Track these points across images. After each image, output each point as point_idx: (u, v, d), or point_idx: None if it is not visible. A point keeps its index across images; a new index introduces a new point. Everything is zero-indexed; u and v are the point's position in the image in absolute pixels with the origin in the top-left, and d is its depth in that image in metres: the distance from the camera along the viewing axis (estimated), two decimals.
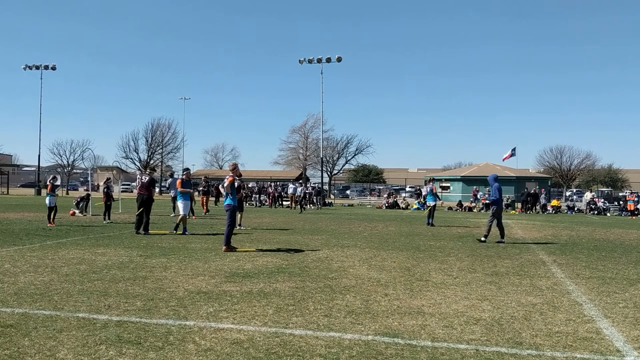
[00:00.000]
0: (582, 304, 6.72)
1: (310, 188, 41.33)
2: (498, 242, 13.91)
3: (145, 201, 14.73)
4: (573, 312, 6.22)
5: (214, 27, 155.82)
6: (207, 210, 24.80)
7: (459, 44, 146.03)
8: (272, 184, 41.97)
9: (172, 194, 21.96)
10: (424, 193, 20.86)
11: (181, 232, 14.59)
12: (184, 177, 15.36)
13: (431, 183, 21.37)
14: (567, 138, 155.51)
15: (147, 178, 15.28)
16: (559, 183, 71.92)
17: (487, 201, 25.24)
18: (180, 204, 14.84)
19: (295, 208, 33.26)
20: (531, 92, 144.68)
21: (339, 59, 50.87)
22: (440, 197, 21.64)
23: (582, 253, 12.20)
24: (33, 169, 75.56)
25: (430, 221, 20.13)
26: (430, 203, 20.71)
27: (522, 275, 8.83)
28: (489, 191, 17.65)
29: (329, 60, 51.06)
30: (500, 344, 4.91)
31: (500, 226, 14.16)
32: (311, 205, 37.86)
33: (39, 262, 9.11)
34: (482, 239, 14.17)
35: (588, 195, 38.21)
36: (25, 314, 5.62)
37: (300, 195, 33.11)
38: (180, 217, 14.79)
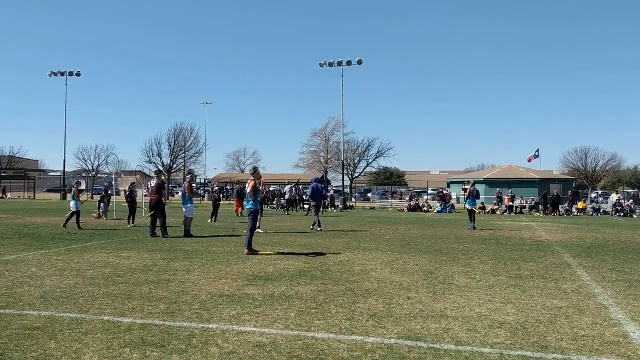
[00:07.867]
0: (609, 307, 6.60)
1: (332, 191, 41.36)
2: (311, 229, 17.87)
3: (155, 205, 14.99)
4: (599, 316, 6.12)
5: (235, 30, 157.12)
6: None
7: (482, 44, 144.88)
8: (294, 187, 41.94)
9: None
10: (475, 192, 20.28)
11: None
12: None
13: (474, 186, 20.88)
14: (592, 139, 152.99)
15: (155, 182, 15.46)
16: (584, 185, 70.71)
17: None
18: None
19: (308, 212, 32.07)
20: (556, 93, 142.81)
21: (360, 62, 50.59)
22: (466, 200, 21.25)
23: (608, 255, 11.98)
24: (59, 174, 76.71)
25: (472, 225, 19.93)
26: (468, 207, 20.34)
27: (547, 278, 8.71)
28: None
29: (349, 63, 50.84)
30: (525, 347, 4.85)
31: (316, 218, 17.95)
32: (332, 208, 37.86)
33: (64, 266, 9.26)
34: (319, 229, 17.49)
35: (614, 197, 37.43)
36: (51, 316, 5.71)
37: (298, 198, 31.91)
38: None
